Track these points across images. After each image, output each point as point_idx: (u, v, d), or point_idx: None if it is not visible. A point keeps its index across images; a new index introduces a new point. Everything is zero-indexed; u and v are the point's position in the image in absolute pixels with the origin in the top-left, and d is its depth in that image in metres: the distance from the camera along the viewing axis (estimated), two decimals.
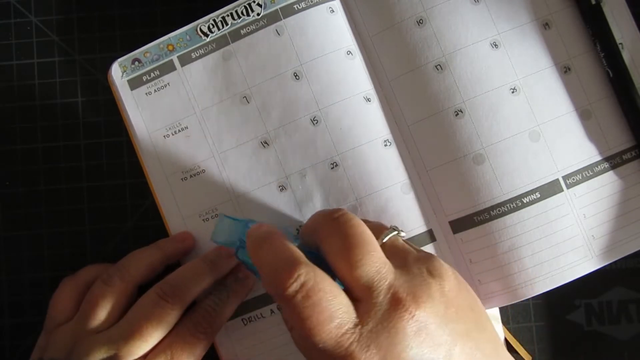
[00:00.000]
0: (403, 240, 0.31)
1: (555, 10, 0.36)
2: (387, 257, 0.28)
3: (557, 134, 0.36)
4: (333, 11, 0.37)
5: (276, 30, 0.36)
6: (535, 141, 0.36)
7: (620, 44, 0.36)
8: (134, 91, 0.37)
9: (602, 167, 0.36)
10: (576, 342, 0.38)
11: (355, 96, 0.36)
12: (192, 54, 0.37)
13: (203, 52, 0.37)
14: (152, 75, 0.37)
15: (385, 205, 0.36)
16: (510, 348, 0.38)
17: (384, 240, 0.30)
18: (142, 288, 0.34)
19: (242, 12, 0.36)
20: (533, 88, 0.36)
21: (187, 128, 0.37)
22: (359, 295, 0.27)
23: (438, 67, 0.36)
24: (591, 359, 0.38)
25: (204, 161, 0.37)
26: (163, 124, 0.37)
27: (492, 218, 0.35)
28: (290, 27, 0.36)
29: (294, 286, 0.26)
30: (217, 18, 0.37)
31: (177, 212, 0.37)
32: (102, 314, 0.33)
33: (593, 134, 0.36)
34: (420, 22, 0.36)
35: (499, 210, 0.35)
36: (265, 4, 0.36)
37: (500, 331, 0.37)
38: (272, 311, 0.36)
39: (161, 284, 0.33)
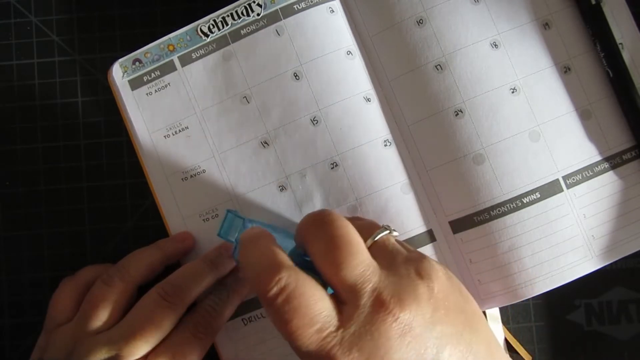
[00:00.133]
0: (396, 240, 0.30)
1: (555, 10, 0.37)
2: (376, 257, 0.28)
3: (557, 134, 0.36)
4: (333, 11, 0.37)
5: (276, 31, 0.36)
6: (535, 141, 0.36)
7: (620, 44, 0.36)
8: (134, 91, 0.37)
9: (602, 167, 0.36)
10: (576, 342, 0.38)
11: (355, 96, 0.36)
12: (193, 54, 0.37)
13: (203, 52, 0.37)
14: (153, 75, 0.37)
15: (385, 205, 0.36)
16: (510, 348, 0.38)
17: (375, 239, 0.29)
18: (142, 288, 0.34)
19: (242, 13, 0.36)
20: (533, 88, 0.36)
21: (187, 128, 0.37)
22: (344, 298, 0.26)
23: (438, 67, 0.36)
24: (591, 359, 0.38)
25: (204, 161, 0.37)
26: (163, 124, 0.37)
27: (492, 218, 0.35)
28: (290, 27, 0.36)
29: (275, 289, 0.26)
30: (217, 18, 0.37)
31: (177, 212, 0.37)
32: (102, 314, 0.33)
33: (593, 134, 0.36)
34: (420, 22, 0.36)
35: (499, 211, 0.35)
36: (265, 4, 0.36)
37: (500, 331, 0.37)
38: None
39: (162, 284, 0.33)
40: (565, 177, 0.36)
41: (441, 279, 0.27)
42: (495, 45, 0.36)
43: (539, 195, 0.35)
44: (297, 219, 0.36)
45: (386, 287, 0.26)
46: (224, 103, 0.37)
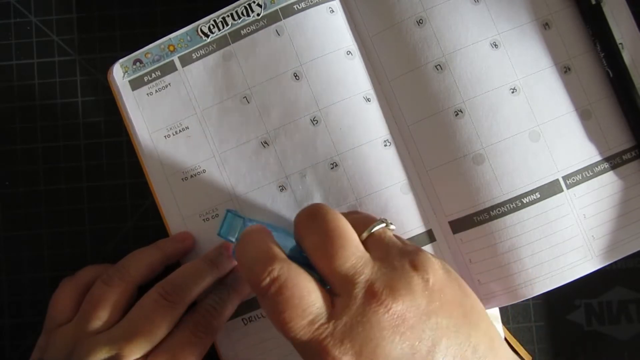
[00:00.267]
0: (393, 234, 0.30)
1: (555, 10, 0.37)
2: (371, 249, 0.28)
3: (557, 134, 0.36)
4: (333, 11, 0.37)
5: (276, 31, 0.36)
6: (535, 141, 0.36)
7: (620, 44, 0.36)
8: (135, 92, 0.37)
9: (602, 168, 0.36)
10: (576, 342, 0.38)
11: (355, 96, 0.36)
12: (193, 55, 0.37)
13: (204, 52, 0.37)
14: (153, 75, 0.37)
15: (385, 205, 0.36)
16: (510, 348, 0.38)
17: (372, 231, 0.29)
18: (142, 288, 0.34)
19: (242, 13, 0.36)
20: (533, 88, 0.36)
21: (187, 128, 0.37)
22: (337, 290, 0.27)
23: (438, 67, 0.36)
24: (591, 359, 0.38)
25: (205, 161, 0.37)
26: (164, 124, 0.37)
27: (492, 218, 0.35)
28: (290, 27, 0.36)
29: (267, 280, 0.26)
30: (218, 18, 0.37)
31: (177, 212, 0.37)
32: (102, 314, 0.33)
33: (593, 134, 0.36)
34: (420, 22, 0.36)
35: (499, 211, 0.35)
36: (265, 4, 0.36)
37: (500, 331, 0.37)
38: None
39: (162, 284, 0.33)
40: (565, 177, 0.36)
41: (437, 272, 0.27)
42: (495, 45, 0.36)
43: (538, 196, 0.36)
44: None
45: (379, 278, 0.26)
46: (224, 103, 0.37)
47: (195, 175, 0.37)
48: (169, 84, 0.37)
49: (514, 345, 0.38)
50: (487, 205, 0.36)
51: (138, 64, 0.37)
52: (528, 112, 0.36)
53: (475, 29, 0.36)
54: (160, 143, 0.37)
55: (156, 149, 0.37)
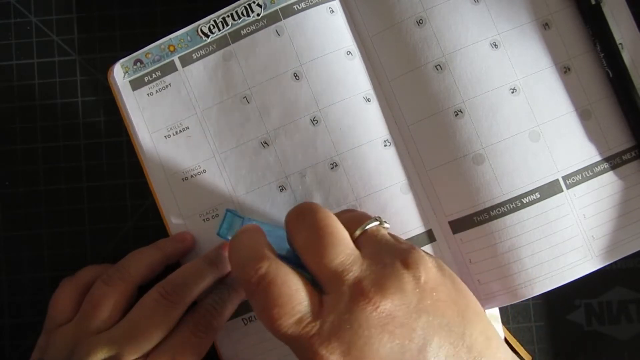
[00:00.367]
0: (389, 232, 0.30)
1: (555, 10, 0.37)
2: (364, 247, 0.28)
3: (557, 134, 0.36)
4: (333, 11, 0.37)
5: (276, 31, 0.36)
6: (535, 141, 0.36)
7: (620, 44, 0.36)
8: (135, 92, 0.37)
9: (602, 168, 0.36)
10: (576, 342, 0.38)
11: (355, 96, 0.36)
12: (193, 55, 0.37)
13: (204, 52, 0.37)
14: (154, 76, 0.37)
15: (385, 205, 0.36)
16: (510, 348, 0.38)
17: (366, 228, 0.29)
18: (142, 288, 0.34)
19: (242, 13, 0.37)
20: (533, 88, 0.36)
21: (188, 128, 0.37)
22: (326, 288, 0.26)
23: (438, 67, 0.36)
24: (591, 359, 0.38)
25: (205, 161, 0.37)
26: (164, 125, 0.37)
27: (491, 218, 0.36)
28: (290, 28, 0.36)
29: (255, 278, 0.26)
30: (218, 19, 0.37)
31: (177, 212, 0.37)
32: (102, 314, 0.33)
33: (593, 134, 0.36)
34: (420, 22, 0.36)
35: (499, 211, 0.35)
36: (265, 4, 0.36)
37: (500, 331, 0.37)
38: None
39: (163, 284, 0.33)
40: (565, 178, 0.36)
41: (430, 270, 0.27)
42: (495, 45, 0.36)
43: (538, 196, 0.36)
44: None
45: (367, 276, 0.26)
46: (224, 103, 0.37)
47: (195, 175, 0.37)
48: (169, 84, 0.37)
49: (514, 345, 0.38)
50: (487, 205, 0.36)
51: (138, 64, 0.37)
52: (528, 112, 0.36)
53: (475, 29, 0.36)
54: (161, 143, 0.37)
55: (156, 149, 0.37)
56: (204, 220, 0.36)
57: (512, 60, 0.36)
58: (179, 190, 0.37)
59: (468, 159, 0.36)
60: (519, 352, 0.38)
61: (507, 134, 0.36)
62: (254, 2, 0.36)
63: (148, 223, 0.38)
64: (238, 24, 0.37)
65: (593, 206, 0.36)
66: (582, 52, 0.36)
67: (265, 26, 0.36)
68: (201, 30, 0.37)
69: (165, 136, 0.37)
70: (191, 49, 0.37)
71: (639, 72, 0.36)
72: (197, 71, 0.37)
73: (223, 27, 0.37)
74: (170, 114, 0.37)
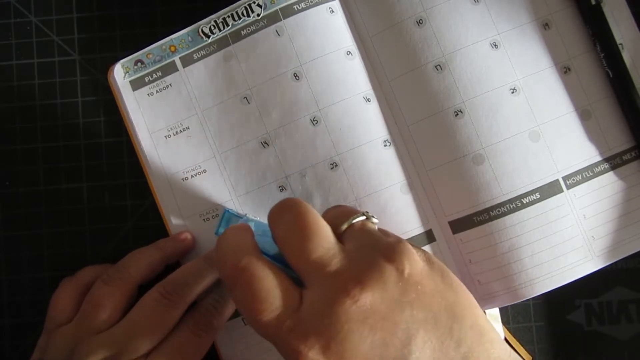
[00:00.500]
0: (378, 227, 0.29)
1: (555, 10, 0.37)
2: (348, 241, 0.27)
3: (557, 134, 0.36)
4: (333, 11, 0.37)
5: (276, 31, 0.36)
6: (535, 141, 0.36)
7: (620, 44, 0.36)
8: (135, 92, 0.37)
9: (602, 168, 0.36)
10: (576, 342, 0.38)
11: (355, 96, 0.36)
12: (194, 55, 0.37)
13: (204, 53, 0.37)
14: (155, 76, 0.37)
15: (385, 205, 0.36)
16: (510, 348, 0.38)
17: (353, 222, 0.28)
18: (142, 288, 0.34)
19: (242, 13, 0.37)
20: (533, 88, 0.36)
21: (188, 128, 0.37)
22: (306, 282, 0.26)
23: (438, 67, 0.36)
24: (591, 359, 0.38)
25: (205, 161, 0.37)
26: (164, 125, 0.37)
27: (491, 218, 0.35)
28: (290, 28, 0.36)
29: (234, 273, 0.26)
30: (218, 19, 0.37)
31: (177, 212, 0.37)
32: (103, 314, 0.33)
33: (593, 134, 0.36)
34: (420, 22, 0.36)
35: (499, 211, 0.35)
36: (265, 4, 0.36)
37: (500, 331, 0.37)
38: None
39: (163, 283, 0.33)
40: (565, 178, 0.36)
41: (416, 263, 0.26)
42: (495, 45, 0.36)
43: (538, 196, 0.36)
44: None
45: (348, 269, 0.25)
46: (224, 103, 0.37)
47: (195, 175, 0.37)
48: (170, 84, 0.37)
49: (514, 345, 0.38)
50: (487, 205, 0.36)
51: (139, 64, 0.37)
52: (528, 112, 0.36)
53: (475, 29, 0.36)
54: (161, 143, 0.37)
55: (156, 149, 0.37)
56: (204, 220, 0.36)
57: (512, 60, 0.36)
58: (179, 190, 0.37)
59: (468, 159, 0.36)
60: (519, 352, 0.38)
61: (507, 134, 0.36)
62: (254, 3, 0.36)
63: (148, 223, 0.38)
64: (238, 24, 0.37)
65: (593, 206, 0.36)
66: (582, 52, 0.36)
67: (266, 26, 0.36)
68: (202, 30, 0.37)
69: (166, 136, 0.37)
70: (192, 50, 0.37)
71: (639, 72, 0.36)
72: (198, 71, 0.37)
73: (223, 28, 0.37)
74: (171, 114, 0.37)
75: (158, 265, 0.35)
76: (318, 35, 0.36)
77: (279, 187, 0.36)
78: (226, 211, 0.35)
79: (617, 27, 0.36)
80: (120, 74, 0.37)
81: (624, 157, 0.36)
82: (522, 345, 0.38)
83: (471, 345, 0.25)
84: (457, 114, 0.36)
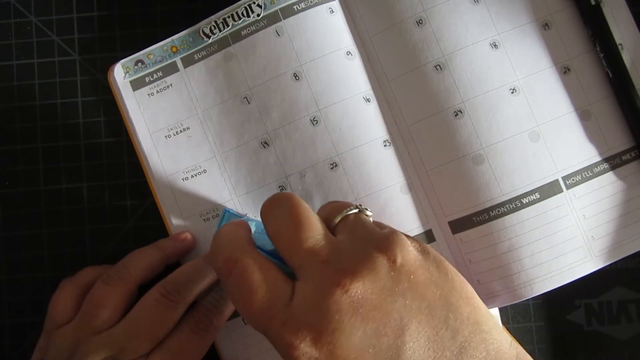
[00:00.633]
0: (373, 220, 0.29)
1: (555, 11, 0.37)
2: (340, 233, 0.27)
3: (556, 135, 0.36)
4: (333, 12, 0.37)
5: (276, 31, 0.36)
6: (535, 141, 0.36)
7: (620, 44, 0.36)
8: (136, 92, 0.37)
9: (602, 168, 0.36)
10: (576, 342, 0.38)
11: (354, 96, 0.36)
12: (195, 56, 0.37)
13: (205, 53, 0.37)
14: (155, 76, 0.37)
15: (385, 205, 0.36)
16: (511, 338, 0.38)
17: (346, 214, 0.28)
18: (142, 288, 0.34)
19: (242, 13, 0.37)
20: (533, 88, 0.36)
21: (188, 128, 0.37)
22: (298, 275, 0.26)
23: (438, 67, 0.36)
24: (591, 359, 0.38)
25: (205, 161, 0.37)
26: (165, 125, 0.37)
27: (491, 218, 0.36)
28: (290, 28, 0.36)
29: (227, 265, 0.26)
30: (219, 19, 0.37)
31: (177, 212, 0.37)
32: (103, 314, 0.33)
33: (593, 134, 0.36)
34: (420, 22, 0.36)
35: (499, 211, 0.35)
36: (265, 4, 0.36)
37: None
38: None
39: (163, 283, 0.33)
40: (564, 178, 0.36)
41: (409, 253, 0.26)
42: (495, 45, 0.36)
43: (538, 196, 0.36)
44: None
45: (339, 260, 0.25)
46: (225, 104, 0.37)
47: (195, 175, 0.37)
48: (171, 84, 0.37)
49: None
50: (487, 205, 0.36)
51: (140, 64, 0.37)
52: (528, 112, 0.36)
53: (475, 29, 0.36)
54: (161, 143, 0.37)
55: (156, 149, 0.37)
56: (204, 220, 0.36)
57: (512, 60, 0.36)
58: (179, 190, 0.37)
59: (468, 159, 0.36)
60: None
61: (506, 134, 0.36)
62: (254, 3, 0.36)
63: (148, 223, 0.38)
64: (238, 24, 0.37)
65: (593, 206, 0.36)
66: (582, 52, 0.36)
67: (265, 26, 0.36)
68: (203, 31, 0.37)
69: (166, 136, 0.37)
70: (193, 50, 0.37)
71: (638, 72, 0.36)
72: (199, 72, 0.37)
73: (224, 28, 0.37)
74: (171, 114, 0.37)
75: (158, 265, 0.35)
76: (318, 36, 0.36)
77: (279, 187, 0.36)
78: (226, 211, 0.35)
79: (617, 27, 0.36)
80: (120, 74, 0.37)
81: (624, 157, 0.36)
82: (522, 345, 0.38)
83: (468, 336, 0.25)
84: (457, 114, 0.36)
